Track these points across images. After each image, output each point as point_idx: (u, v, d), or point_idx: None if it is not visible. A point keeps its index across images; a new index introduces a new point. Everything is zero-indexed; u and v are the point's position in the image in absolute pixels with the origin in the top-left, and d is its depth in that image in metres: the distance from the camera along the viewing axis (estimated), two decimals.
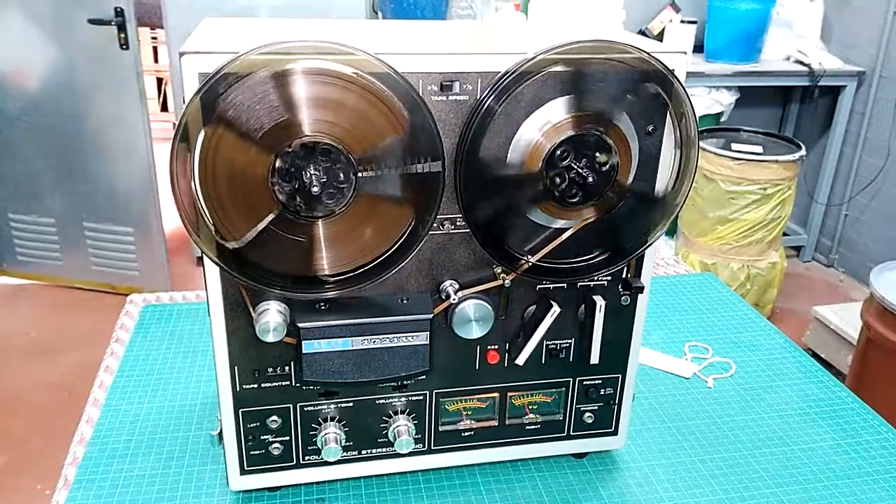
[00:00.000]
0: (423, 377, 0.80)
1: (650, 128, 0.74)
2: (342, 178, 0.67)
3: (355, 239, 0.71)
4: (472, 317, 0.78)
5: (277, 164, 0.66)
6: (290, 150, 0.65)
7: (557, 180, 0.72)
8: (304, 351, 0.75)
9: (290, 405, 0.81)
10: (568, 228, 0.76)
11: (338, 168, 0.66)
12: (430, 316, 0.77)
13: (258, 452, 0.82)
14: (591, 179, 0.72)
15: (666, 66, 0.71)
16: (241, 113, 0.64)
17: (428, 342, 0.78)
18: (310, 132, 0.65)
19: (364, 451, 0.85)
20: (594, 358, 0.83)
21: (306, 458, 0.83)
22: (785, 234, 3.33)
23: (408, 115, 0.67)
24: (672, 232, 3.28)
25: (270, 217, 0.68)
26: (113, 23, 2.65)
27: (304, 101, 0.64)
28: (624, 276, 0.83)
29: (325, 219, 0.69)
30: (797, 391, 1.09)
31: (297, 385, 0.80)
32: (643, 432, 0.99)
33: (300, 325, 0.74)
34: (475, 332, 0.79)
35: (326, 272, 0.72)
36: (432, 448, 0.87)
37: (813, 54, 3.28)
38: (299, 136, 0.65)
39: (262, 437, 0.81)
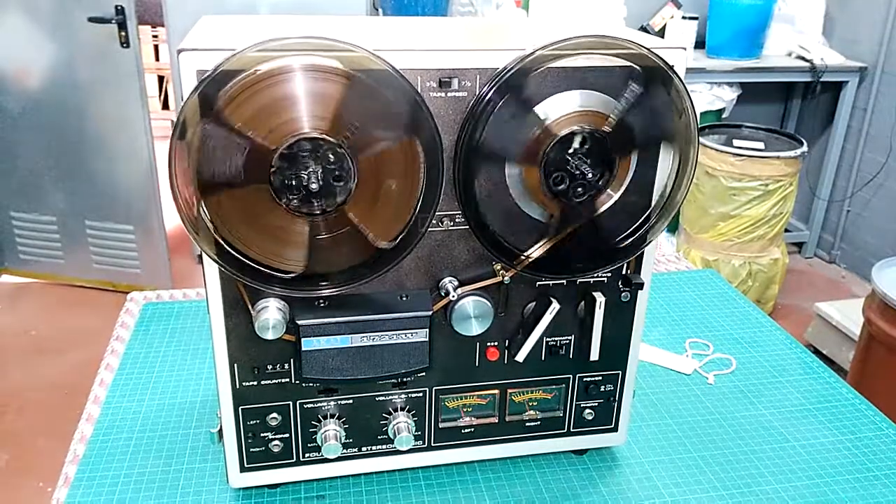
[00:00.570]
0: (423, 374, 0.80)
1: None
2: (332, 159, 0.66)
3: (388, 200, 0.70)
4: (472, 313, 0.78)
5: (275, 185, 0.66)
6: (275, 168, 0.65)
7: (557, 178, 0.72)
8: (303, 348, 0.75)
9: (290, 402, 0.81)
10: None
11: (325, 152, 0.66)
12: (430, 313, 0.77)
13: (258, 450, 0.82)
14: (590, 176, 0.72)
15: (666, 62, 0.71)
16: (221, 166, 0.64)
17: (427, 339, 0.78)
18: (278, 143, 0.64)
19: (364, 448, 0.85)
20: (594, 354, 0.83)
21: (306, 455, 0.83)
22: (786, 231, 3.33)
23: (352, 71, 0.65)
24: (673, 228, 3.27)
25: (306, 231, 0.68)
26: (113, 21, 2.64)
27: (251, 119, 0.64)
28: (624, 272, 0.83)
29: (350, 199, 0.68)
30: (798, 387, 1.09)
31: (297, 382, 0.80)
32: (643, 429, 0.99)
33: (299, 322, 0.74)
34: (475, 328, 0.79)
35: (385, 243, 0.72)
36: (432, 445, 0.87)
37: (815, 50, 3.27)
38: (274, 153, 0.64)
39: (261, 435, 0.81)
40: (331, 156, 0.66)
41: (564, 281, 0.82)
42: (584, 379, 0.88)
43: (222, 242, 0.68)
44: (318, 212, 0.68)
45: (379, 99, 0.66)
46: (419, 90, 0.68)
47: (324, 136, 0.65)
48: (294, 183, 0.66)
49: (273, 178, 0.65)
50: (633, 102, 0.71)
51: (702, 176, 2.91)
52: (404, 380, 0.82)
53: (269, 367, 0.79)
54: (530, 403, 0.87)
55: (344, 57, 0.64)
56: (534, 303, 0.82)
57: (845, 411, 1.04)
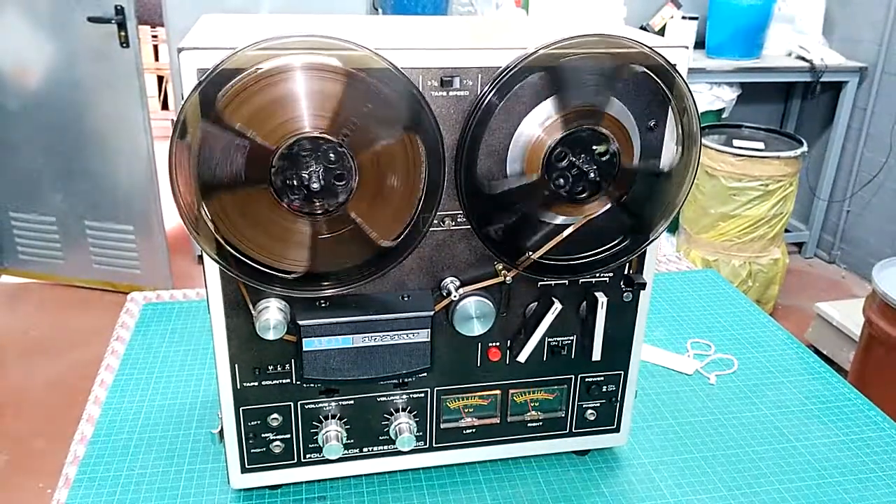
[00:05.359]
0: (425, 374, 0.80)
1: (652, 123, 0.74)
2: (334, 159, 0.66)
3: (390, 200, 0.70)
4: (474, 314, 0.77)
5: (276, 185, 0.65)
6: (276, 167, 0.65)
7: (560, 178, 0.72)
8: (304, 348, 0.75)
9: (291, 403, 0.80)
10: (570, 225, 0.75)
11: (326, 151, 0.65)
12: (431, 313, 0.77)
13: (259, 450, 0.82)
14: (592, 175, 0.72)
15: (668, 61, 0.71)
16: (222, 166, 0.64)
17: (429, 339, 0.77)
18: (279, 142, 0.64)
19: (365, 449, 0.84)
20: (596, 355, 0.83)
21: (307, 456, 0.83)
22: (787, 231, 3.33)
23: (353, 70, 0.64)
24: (674, 229, 3.27)
25: (307, 230, 0.68)
26: (113, 21, 2.64)
27: (252, 118, 0.63)
28: (626, 272, 0.82)
29: (352, 199, 0.67)
30: (799, 387, 1.09)
31: (298, 383, 0.79)
32: (645, 429, 0.99)
33: (301, 322, 0.74)
34: (476, 329, 0.78)
35: (386, 243, 0.71)
36: (434, 446, 0.86)
37: (815, 50, 3.27)
38: (275, 152, 0.64)
39: (262, 435, 0.81)
40: (332, 155, 0.66)
41: (566, 281, 0.81)
42: (586, 379, 0.87)
43: (223, 242, 0.68)
44: (319, 211, 0.67)
45: (380, 98, 0.66)
46: (420, 89, 0.68)
47: (325, 135, 0.65)
48: (295, 182, 0.66)
49: (274, 177, 0.65)
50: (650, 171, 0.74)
51: (702, 176, 2.91)
52: (406, 380, 0.82)
53: (270, 367, 0.78)
54: (532, 404, 0.87)
55: (345, 56, 0.64)
56: (535, 303, 0.81)
57: (847, 411, 1.04)
